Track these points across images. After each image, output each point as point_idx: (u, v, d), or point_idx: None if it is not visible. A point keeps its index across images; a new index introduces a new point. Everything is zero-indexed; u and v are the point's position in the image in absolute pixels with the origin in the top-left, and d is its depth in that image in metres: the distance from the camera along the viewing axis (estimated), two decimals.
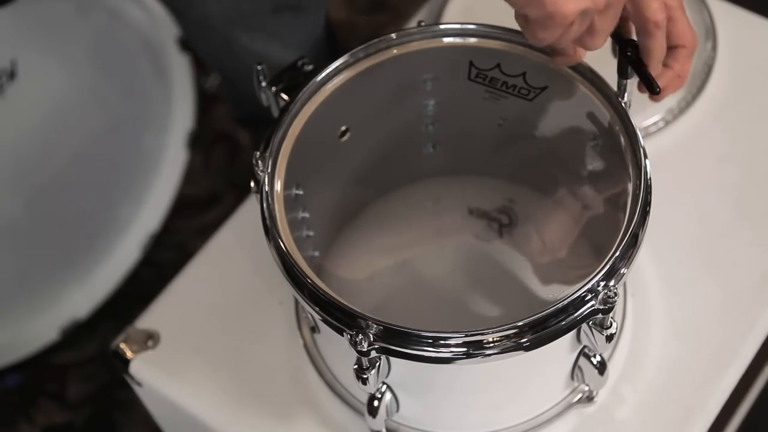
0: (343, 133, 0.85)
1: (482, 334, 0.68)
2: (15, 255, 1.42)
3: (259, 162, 0.77)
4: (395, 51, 0.83)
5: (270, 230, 0.74)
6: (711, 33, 1.03)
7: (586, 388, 0.82)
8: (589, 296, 0.69)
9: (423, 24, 0.84)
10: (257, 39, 1.14)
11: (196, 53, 1.28)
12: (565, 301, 0.69)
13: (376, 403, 0.76)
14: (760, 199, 0.95)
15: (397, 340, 0.69)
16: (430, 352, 0.69)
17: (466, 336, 0.68)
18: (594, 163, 0.82)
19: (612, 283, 0.70)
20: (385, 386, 0.75)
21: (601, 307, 0.69)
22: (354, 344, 0.68)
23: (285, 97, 0.81)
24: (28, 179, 1.37)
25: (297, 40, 1.13)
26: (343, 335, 0.69)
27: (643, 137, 0.77)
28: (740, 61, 1.03)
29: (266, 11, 1.12)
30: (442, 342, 0.68)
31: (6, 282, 1.43)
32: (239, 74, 0.83)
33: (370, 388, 0.73)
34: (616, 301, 0.69)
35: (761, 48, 1.05)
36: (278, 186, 0.76)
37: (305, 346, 0.87)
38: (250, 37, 1.14)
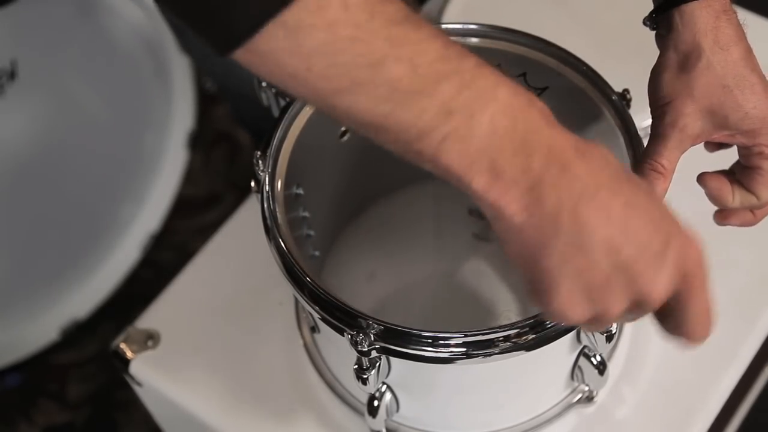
0: (344, 133, 0.85)
1: (482, 334, 0.68)
2: (15, 255, 1.42)
3: (260, 162, 0.77)
4: None
5: (270, 230, 0.74)
6: None
7: (586, 388, 0.82)
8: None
9: None
10: None
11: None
12: None
13: (376, 403, 0.76)
14: None
15: (398, 340, 0.69)
16: (430, 352, 0.68)
17: (466, 336, 0.68)
18: None
19: None
20: (385, 386, 0.75)
21: None
22: (354, 344, 0.68)
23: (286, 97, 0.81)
24: (28, 179, 1.37)
25: None
26: (343, 335, 0.69)
27: (643, 137, 0.77)
28: None
29: None
30: (442, 342, 0.68)
31: (6, 282, 1.43)
32: (242, 94, 0.83)
33: (370, 388, 0.73)
34: None
35: (761, 48, 1.05)
36: (279, 186, 0.76)
37: (305, 346, 0.87)
38: None
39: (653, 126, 0.74)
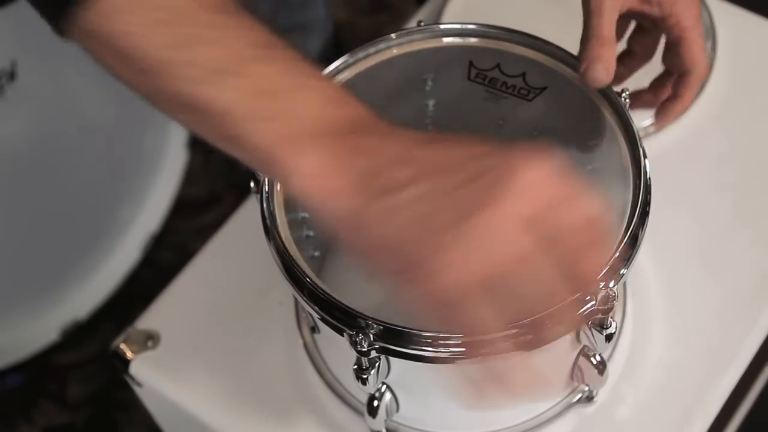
0: None
1: None
2: (15, 256, 1.42)
3: None
4: (395, 51, 0.83)
5: (270, 230, 0.74)
6: (710, 33, 1.03)
7: (586, 388, 0.82)
8: (589, 297, 0.69)
9: (423, 24, 0.84)
10: None
11: None
12: (566, 302, 0.69)
13: (375, 403, 0.76)
14: (760, 199, 0.95)
15: (397, 340, 0.68)
16: (429, 352, 0.68)
17: (465, 336, 0.68)
18: (593, 163, 0.82)
19: (611, 283, 0.69)
20: (384, 386, 0.75)
21: (601, 307, 0.69)
22: (354, 344, 0.68)
23: None
24: (28, 180, 1.37)
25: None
26: (343, 335, 0.69)
27: (642, 137, 0.77)
28: (740, 60, 1.03)
29: (272, 31, 1.12)
30: (442, 342, 0.68)
31: (7, 283, 1.43)
32: None
33: (370, 388, 0.73)
34: (615, 302, 0.69)
35: (761, 47, 1.05)
36: (278, 186, 0.76)
37: (305, 346, 0.87)
38: None
39: (584, 5, 0.76)
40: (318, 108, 0.56)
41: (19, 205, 1.38)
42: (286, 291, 0.76)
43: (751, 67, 1.03)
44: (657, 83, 0.84)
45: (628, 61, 0.81)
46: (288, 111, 0.56)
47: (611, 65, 0.75)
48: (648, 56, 0.81)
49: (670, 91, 0.82)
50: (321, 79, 0.59)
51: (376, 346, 0.68)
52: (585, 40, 0.75)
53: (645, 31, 0.81)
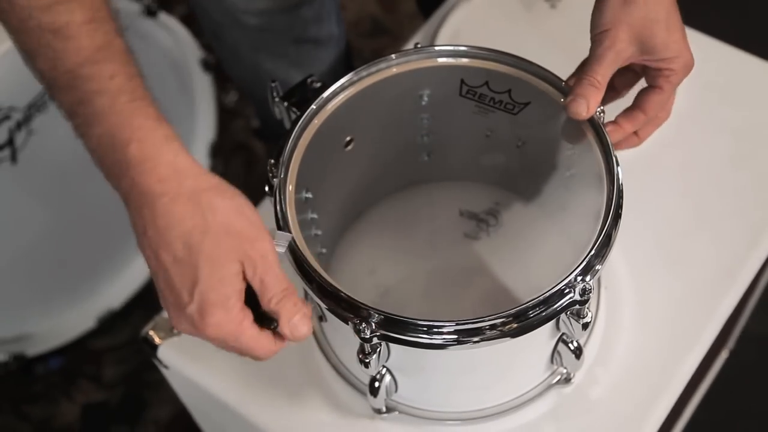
0: (348, 143, 0.84)
1: (472, 322, 0.67)
2: (58, 254, 1.42)
3: (273, 169, 0.76)
4: (394, 70, 0.82)
5: (282, 230, 0.73)
6: None
7: (564, 371, 0.81)
8: (568, 289, 0.69)
9: (419, 45, 0.83)
10: (281, 66, 1.13)
11: (229, 76, 1.28)
12: (547, 294, 0.68)
13: (377, 384, 0.75)
14: (717, 204, 0.94)
15: (396, 328, 0.68)
16: (425, 339, 0.68)
17: (457, 325, 0.67)
18: (571, 170, 0.81)
19: (588, 277, 0.69)
20: (385, 369, 0.74)
21: (578, 299, 0.69)
22: (358, 332, 0.68)
23: (296, 110, 0.81)
24: (69, 187, 1.36)
25: (318, 70, 1.12)
26: (348, 324, 0.68)
27: (614, 148, 0.76)
28: (699, 80, 1.01)
29: (287, 42, 1.11)
30: (436, 330, 0.67)
31: (50, 277, 1.43)
32: (265, 97, 0.83)
33: (372, 371, 0.72)
34: (591, 294, 0.68)
35: (717, 69, 1.04)
36: (290, 190, 0.75)
37: (314, 333, 0.85)
38: (274, 64, 1.13)
39: (592, 49, 0.77)
40: (100, 139, 0.67)
41: (62, 209, 1.37)
42: (297, 284, 0.75)
43: (708, 87, 1.02)
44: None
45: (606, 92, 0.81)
46: (86, 130, 0.67)
47: (593, 105, 0.75)
48: (622, 94, 0.81)
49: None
50: (110, 115, 0.67)
51: (378, 334, 0.68)
52: (579, 77, 0.76)
53: (631, 73, 0.81)
